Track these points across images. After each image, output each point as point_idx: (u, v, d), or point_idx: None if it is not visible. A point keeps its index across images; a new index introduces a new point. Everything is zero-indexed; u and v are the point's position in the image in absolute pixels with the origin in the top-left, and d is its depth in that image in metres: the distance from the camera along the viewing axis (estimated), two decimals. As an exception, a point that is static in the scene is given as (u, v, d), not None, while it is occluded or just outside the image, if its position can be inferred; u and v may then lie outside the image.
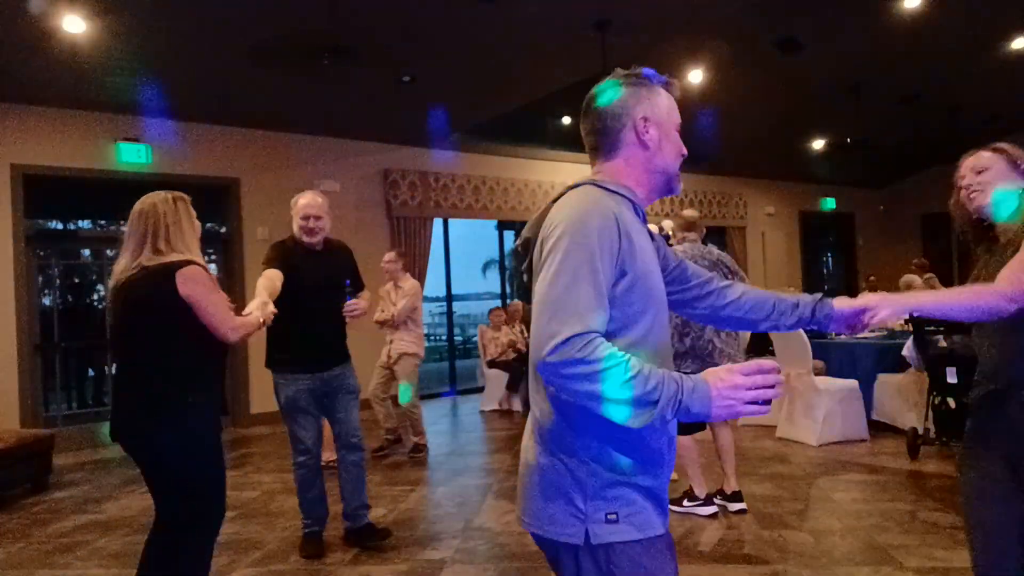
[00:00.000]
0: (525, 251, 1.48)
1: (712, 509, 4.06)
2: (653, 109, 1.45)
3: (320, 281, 3.54)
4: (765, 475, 4.90)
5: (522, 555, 3.59)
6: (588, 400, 1.21)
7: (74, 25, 5.07)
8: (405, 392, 5.91)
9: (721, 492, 4.21)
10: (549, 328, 1.21)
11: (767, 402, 1.24)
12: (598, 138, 1.49)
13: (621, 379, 1.18)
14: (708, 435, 4.28)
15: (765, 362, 1.26)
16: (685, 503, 4.12)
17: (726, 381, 1.22)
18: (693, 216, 4.33)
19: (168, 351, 2.43)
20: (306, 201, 3.61)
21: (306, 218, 3.57)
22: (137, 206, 2.51)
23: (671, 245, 4.22)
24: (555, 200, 1.45)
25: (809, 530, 3.78)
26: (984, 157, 1.96)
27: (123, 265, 2.45)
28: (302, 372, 3.54)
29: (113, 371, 2.49)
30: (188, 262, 2.42)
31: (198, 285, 2.40)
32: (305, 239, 3.56)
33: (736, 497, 4.17)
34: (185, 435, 2.46)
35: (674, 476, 4.25)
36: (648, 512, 1.34)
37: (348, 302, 3.65)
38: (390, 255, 6.11)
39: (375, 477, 5.29)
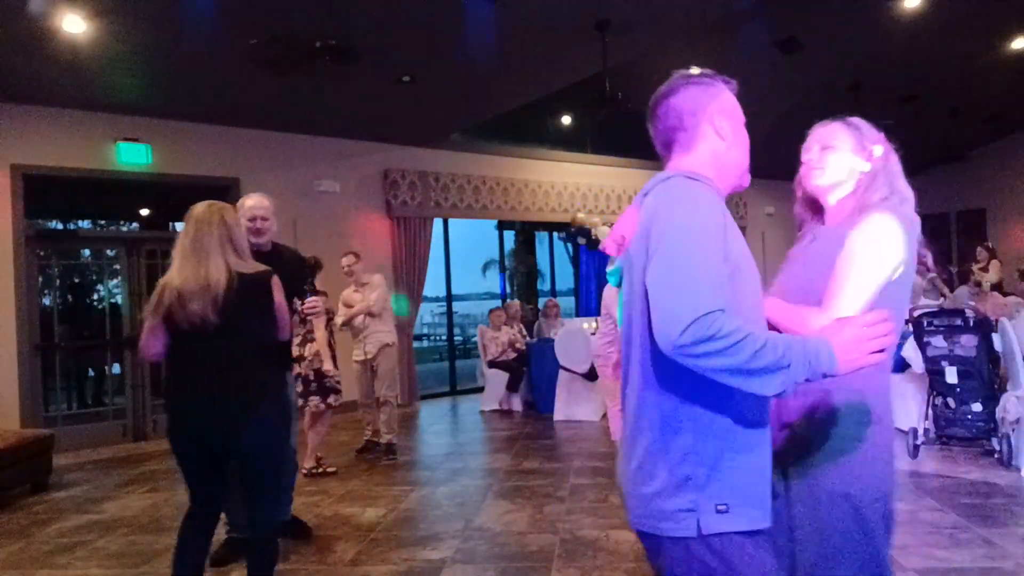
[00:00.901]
0: (619, 249, 1.50)
1: None
2: (724, 105, 1.49)
3: None
4: (765, 475, 4.90)
5: (522, 555, 3.59)
6: (727, 375, 1.23)
7: (74, 25, 5.07)
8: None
9: None
10: (675, 311, 1.24)
11: (882, 350, 1.27)
12: (674, 134, 1.51)
13: (752, 349, 1.20)
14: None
15: (876, 312, 1.28)
16: None
17: (847, 335, 1.24)
18: None
19: (267, 345, 2.83)
20: (253, 202, 3.57)
21: (253, 219, 3.51)
22: (204, 214, 2.74)
23: None
24: (646, 193, 1.46)
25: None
26: (834, 132, 1.76)
27: (205, 272, 2.65)
28: None
29: (197, 368, 2.70)
30: (271, 272, 2.80)
31: (279, 292, 2.81)
32: (252, 239, 3.49)
33: None
34: (283, 409, 3.08)
35: None
36: (756, 502, 1.36)
37: (308, 299, 3.58)
38: (351, 257, 5.90)
39: (375, 477, 5.30)
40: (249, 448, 2.69)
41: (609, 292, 5.36)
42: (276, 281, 2.79)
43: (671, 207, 1.35)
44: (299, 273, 3.67)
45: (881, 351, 1.26)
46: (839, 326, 1.27)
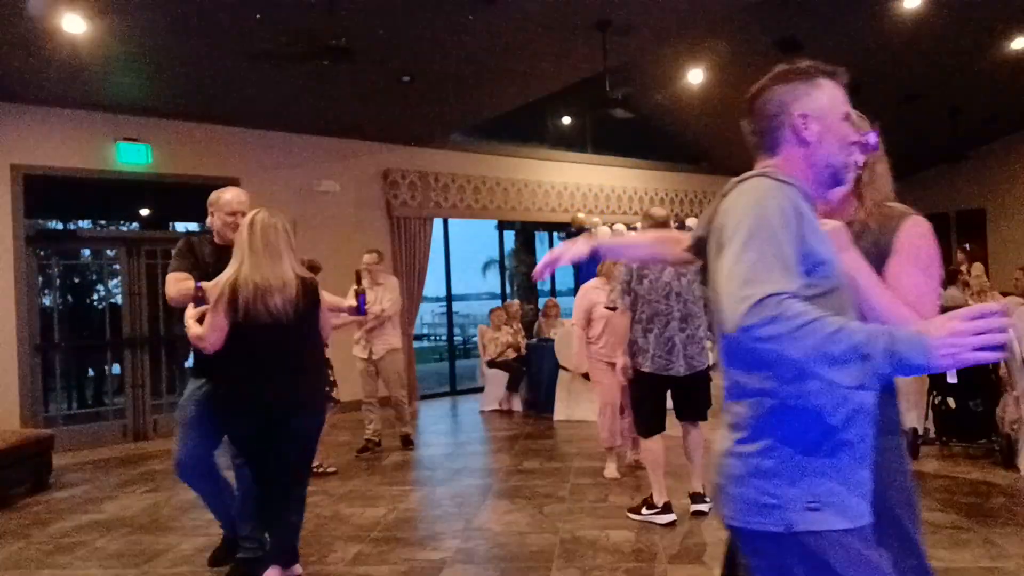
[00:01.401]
0: (698, 251, 1.48)
1: (670, 517, 3.94)
2: (813, 103, 1.43)
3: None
4: (765, 475, 4.90)
5: (522, 555, 3.59)
6: (795, 361, 1.17)
7: (74, 25, 5.07)
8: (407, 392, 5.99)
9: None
10: (740, 293, 1.20)
11: (999, 347, 1.16)
12: (758, 137, 1.50)
13: (824, 333, 1.14)
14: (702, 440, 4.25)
15: (987, 305, 1.21)
16: (644, 511, 4.02)
17: (945, 328, 1.16)
18: (664, 215, 4.20)
19: (316, 342, 3.24)
20: (232, 196, 3.47)
21: (233, 214, 3.41)
22: (268, 219, 3.04)
23: None
24: (724, 195, 1.45)
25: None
26: None
27: (281, 271, 3.01)
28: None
29: (269, 357, 3.02)
30: (315, 278, 3.18)
31: (322, 297, 3.24)
32: (230, 235, 3.40)
33: (697, 498, 4.07)
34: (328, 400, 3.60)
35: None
36: (849, 499, 1.32)
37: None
38: (374, 255, 6.06)
39: (375, 477, 5.30)
40: (305, 431, 3.13)
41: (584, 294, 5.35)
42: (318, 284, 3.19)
43: (741, 205, 1.34)
44: None
45: (989, 347, 1.15)
46: (944, 319, 1.18)
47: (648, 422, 4.04)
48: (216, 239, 3.48)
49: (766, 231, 1.27)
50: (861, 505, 1.34)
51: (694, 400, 4.09)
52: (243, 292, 2.91)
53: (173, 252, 3.46)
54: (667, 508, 3.97)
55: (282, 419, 3.04)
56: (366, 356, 5.99)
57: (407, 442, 6.21)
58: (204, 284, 3.14)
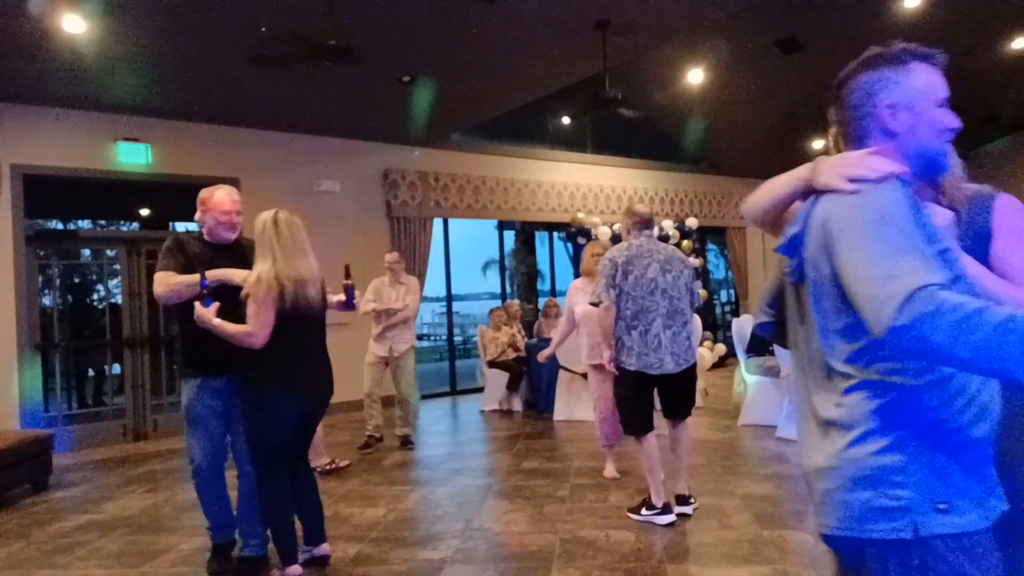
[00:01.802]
0: (792, 250, 1.38)
1: (670, 518, 3.93)
2: (903, 92, 1.35)
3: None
4: (765, 475, 4.90)
5: (522, 555, 3.59)
6: (968, 357, 1.03)
7: (74, 25, 5.07)
8: (415, 393, 6.13)
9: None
10: (883, 292, 1.10)
11: None
12: (843, 127, 1.42)
13: (995, 321, 1.01)
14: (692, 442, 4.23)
15: None
16: (643, 511, 4.01)
17: None
18: (647, 211, 4.15)
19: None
20: (226, 195, 3.45)
21: (228, 212, 3.41)
22: (289, 218, 3.22)
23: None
24: (815, 195, 1.36)
25: (809, 530, 3.77)
26: None
27: (310, 264, 3.23)
28: (215, 376, 3.35)
29: (309, 347, 3.29)
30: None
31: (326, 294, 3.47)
32: (224, 234, 3.42)
33: (682, 500, 4.05)
34: None
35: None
36: (980, 498, 1.23)
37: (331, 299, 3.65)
38: (396, 254, 6.32)
39: (375, 477, 5.30)
40: (322, 415, 3.45)
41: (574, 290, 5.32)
42: None
43: (850, 201, 1.25)
44: None
45: None
46: None
47: (633, 421, 4.01)
48: (207, 237, 3.46)
49: (892, 224, 1.18)
50: (992, 503, 1.24)
51: (682, 397, 4.08)
52: (288, 286, 3.09)
53: (161, 250, 3.41)
54: (667, 508, 3.96)
55: (321, 404, 3.34)
56: (385, 354, 6.10)
57: (407, 442, 6.24)
58: (210, 278, 3.17)
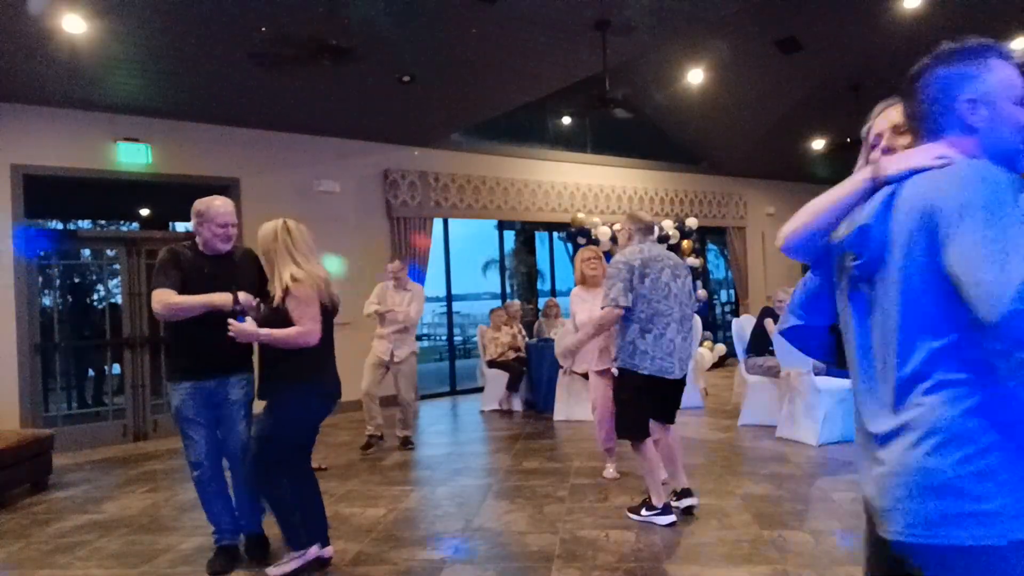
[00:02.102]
0: (861, 244, 1.34)
1: (670, 518, 3.92)
2: (982, 87, 1.33)
3: (232, 287, 3.41)
4: (765, 475, 4.90)
5: (522, 555, 3.59)
6: None
7: (74, 25, 5.07)
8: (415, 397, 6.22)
9: (673, 492, 4.14)
10: (1003, 276, 1.05)
11: None
12: (918, 123, 1.40)
13: None
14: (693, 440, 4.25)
15: None
16: (643, 512, 4.01)
17: None
18: (650, 219, 4.20)
19: None
20: (223, 206, 3.45)
21: (225, 225, 3.43)
22: (296, 225, 3.32)
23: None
24: (890, 184, 1.33)
25: (809, 530, 3.78)
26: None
27: (325, 269, 3.36)
28: (205, 379, 3.40)
29: (332, 346, 3.42)
30: None
31: None
32: (220, 245, 3.44)
33: (686, 494, 4.09)
34: None
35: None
36: None
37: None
38: (398, 263, 6.39)
39: (375, 477, 5.30)
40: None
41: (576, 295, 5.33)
42: None
43: (943, 184, 1.22)
44: (260, 271, 3.51)
45: None
46: None
47: (636, 425, 3.99)
48: (203, 249, 3.46)
49: (1003, 207, 1.15)
50: None
51: (676, 402, 4.13)
52: (324, 287, 3.26)
53: (156, 263, 3.40)
54: (667, 509, 3.96)
55: (337, 397, 3.42)
56: (386, 357, 6.14)
57: (406, 443, 6.25)
58: (241, 296, 3.33)
